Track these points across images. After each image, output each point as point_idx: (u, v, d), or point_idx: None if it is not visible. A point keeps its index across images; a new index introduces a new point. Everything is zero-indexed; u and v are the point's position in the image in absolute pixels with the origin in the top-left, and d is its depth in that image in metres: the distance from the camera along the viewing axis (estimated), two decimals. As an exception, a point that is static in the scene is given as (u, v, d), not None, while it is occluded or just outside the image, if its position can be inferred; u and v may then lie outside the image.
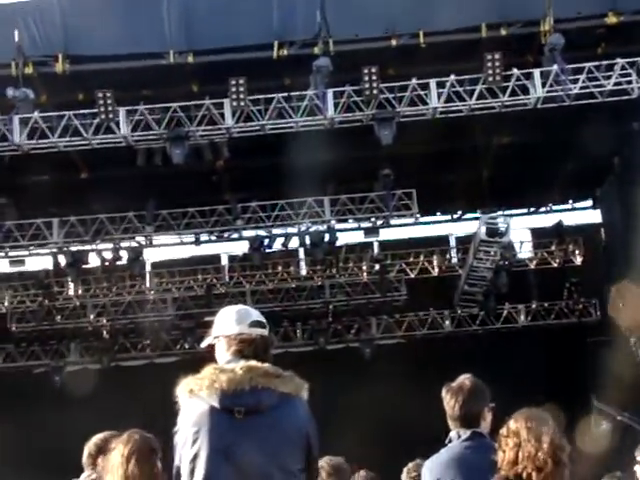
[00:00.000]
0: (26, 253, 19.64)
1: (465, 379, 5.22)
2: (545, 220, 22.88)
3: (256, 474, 3.84)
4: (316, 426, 4.09)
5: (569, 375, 19.48)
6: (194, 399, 3.97)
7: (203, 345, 4.25)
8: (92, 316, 21.72)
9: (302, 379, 4.06)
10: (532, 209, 22.71)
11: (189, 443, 3.92)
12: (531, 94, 16.26)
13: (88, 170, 18.85)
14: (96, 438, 5.73)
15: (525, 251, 23.15)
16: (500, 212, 20.32)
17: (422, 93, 16.47)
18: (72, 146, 16.79)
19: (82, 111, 16.46)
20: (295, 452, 3.95)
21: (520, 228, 22.60)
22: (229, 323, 4.20)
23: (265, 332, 4.20)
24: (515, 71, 16.20)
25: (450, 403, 5.17)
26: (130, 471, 4.66)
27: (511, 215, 20.89)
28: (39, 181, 18.67)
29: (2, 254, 19.52)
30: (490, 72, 15.89)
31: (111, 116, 16.08)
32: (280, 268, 22.43)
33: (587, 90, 16.21)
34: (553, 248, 22.66)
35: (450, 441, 5.18)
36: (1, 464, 18.06)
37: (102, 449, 5.67)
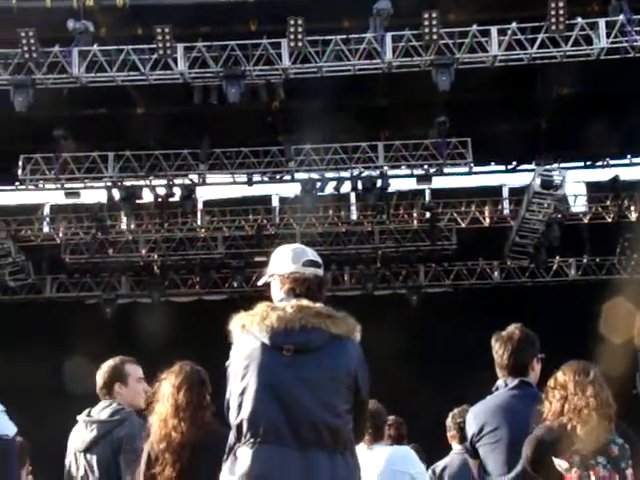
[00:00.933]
0: (81, 186, 19.85)
1: (515, 328, 5.22)
2: (601, 174, 22.57)
3: (301, 411, 3.88)
4: (367, 369, 4.11)
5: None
6: (246, 334, 4.02)
7: (260, 283, 4.29)
8: (144, 251, 21.97)
9: (355, 321, 4.08)
10: (589, 162, 22.37)
11: (239, 377, 3.99)
12: (594, 44, 15.92)
13: (144, 105, 18.93)
14: (107, 366, 5.70)
15: (579, 205, 22.87)
16: (556, 164, 20.04)
17: (482, 40, 16.21)
18: (129, 81, 16.84)
19: (140, 46, 16.49)
20: (342, 393, 3.97)
21: (575, 181, 22.33)
22: (284, 262, 4.22)
23: (319, 272, 4.21)
24: (579, 20, 15.86)
25: (499, 352, 5.18)
26: (180, 400, 4.75)
27: (567, 168, 20.60)
28: (96, 114, 18.81)
29: (58, 185, 19.77)
30: (553, 20, 15.57)
31: (169, 52, 16.08)
32: (331, 212, 22.43)
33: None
34: (608, 203, 22.34)
35: (497, 389, 5.20)
36: (52, 392, 18.52)
37: (117, 376, 5.73)
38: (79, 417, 5.61)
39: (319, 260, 4.25)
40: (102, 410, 5.54)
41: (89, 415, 5.56)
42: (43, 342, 19.06)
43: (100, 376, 5.67)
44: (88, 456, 5.40)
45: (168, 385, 4.86)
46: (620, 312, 17.17)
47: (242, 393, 3.95)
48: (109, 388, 5.62)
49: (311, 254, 4.25)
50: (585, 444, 4.60)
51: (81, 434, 5.48)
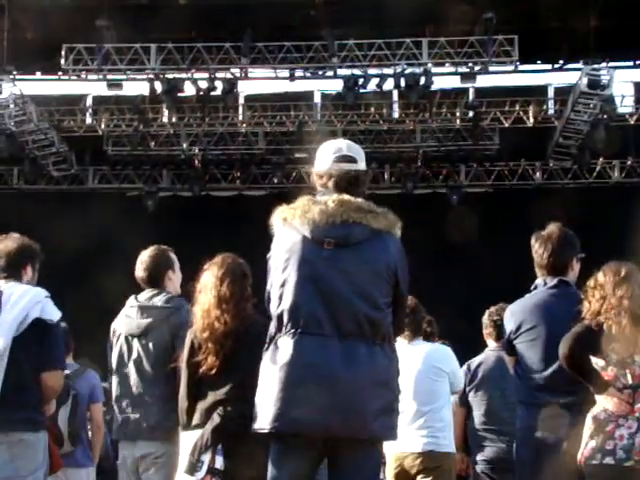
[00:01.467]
0: (124, 77, 19.79)
1: (555, 227, 5.20)
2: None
3: (341, 303, 3.95)
4: (406, 264, 4.14)
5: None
6: (287, 227, 4.06)
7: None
8: (185, 145, 21.99)
9: (396, 216, 4.09)
10: (638, 62, 21.84)
11: (280, 269, 4.05)
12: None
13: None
14: (156, 254, 5.71)
15: (626, 105, 22.39)
16: (604, 63, 19.58)
17: None
18: (173, -29, 16.62)
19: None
20: (382, 286, 4.03)
21: (623, 81, 21.83)
22: (321, 159, 4.25)
23: (354, 167, 4.20)
24: None
25: (539, 251, 5.18)
26: (223, 292, 4.83)
27: (615, 67, 20.11)
28: (139, 4, 18.60)
29: (100, 76, 19.74)
30: None
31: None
32: (373, 109, 22.19)
33: None
34: (656, 104, 21.89)
35: (536, 288, 5.22)
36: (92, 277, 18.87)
37: (168, 263, 5.77)
38: (128, 302, 5.71)
39: (354, 154, 4.23)
40: (154, 297, 5.62)
41: (138, 301, 5.67)
42: (84, 232, 19.32)
43: (147, 263, 5.71)
44: (143, 341, 5.52)
45: (211, 276, 4.93)
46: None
47: (283, 285, 4.02)
48: (161, 275, 5.70)
49: (347, 149, 4.24)
50: (622, 343, 4.64)
51: (134, 319, 5.59)
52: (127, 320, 5.63)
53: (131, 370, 5.55)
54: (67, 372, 6.05)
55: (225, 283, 4.87)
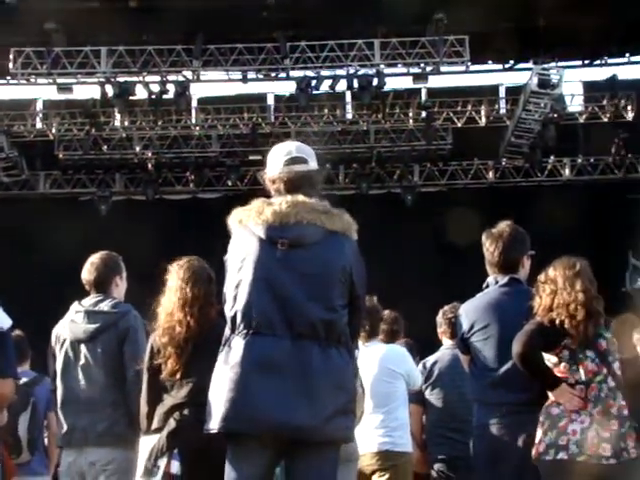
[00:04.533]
0: (74, 81, 19.60)
1: (506, 225, 5.24)
2: (599, 73, 22.34)
3: (295, 304, 3.95)
4: (363, 265, 4.15)
5: (610, 231, 19.47)
6: (242, 229, 4.06)
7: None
8: (138, 148, 21.83)
9: (352, 218, 4.10)
10: (586, 61, 22.11)
11: (235, 270, 4.05)
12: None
13: (138, -1, 18.56)
14: (106, 259, 5.68)
15: (576, 104, 22.69)
16: (553, 63, 19.81)
17: None
18: (122, -27, 16.50)
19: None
20: (337, 287, 4.03)
21: (573, 80, 22.10)
22: (271, 163, 4.25)
23: (305, 167, 4.19)
24: None
25: (490, 249, 5.21)
26: (188, 295, 4.80)
27: (565, 67, 20.35)
28: (89, 7, 18.39)
29: (50, 80, 19.52)
30: None
31: (162, -56, 15.72)
32: (326, 110, 22.23)
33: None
34: (605, 102, 22.19)
35: (487, 286, 5.26)
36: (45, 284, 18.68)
37: (117, 269, 5.73)
38: (73, 307, 5.65)
39: (304, 155, 4.23)
40: (100, 302, 5.58)
41: (83, 306, 5.61)
42: (36, 237, 19.12)
43: (96, 266, 5.67)
44: (91, 346, 5.48)
45: (176, 279, 4.89)
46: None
47: (237, 286, 4.02)
48: (108, 280, 5.67)
49: (296, 151, 4.23)
50: (574, 339, 4.69)
51: (80, 325, 5.53)
52: (73, 325, 5.57)
53: (79, 376, 5.49)
54: (25, 380, 5.98)
55: (190, 286, 4.84)
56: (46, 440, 7.13)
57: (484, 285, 5.28)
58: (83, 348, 5.49)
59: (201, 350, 4.68)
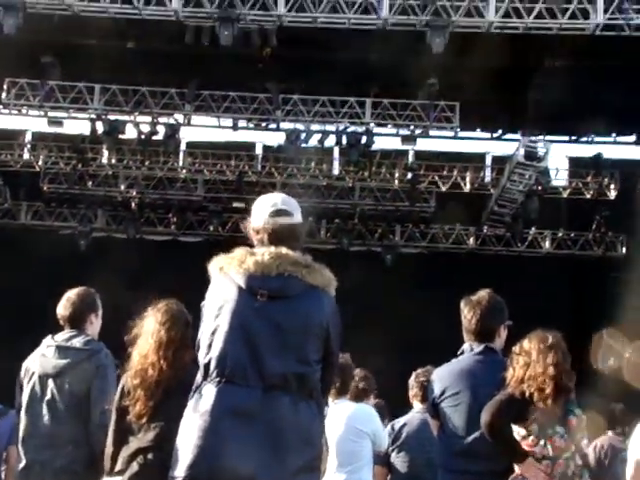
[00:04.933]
0: (65, 115, 19.67)
1: (485, 293, 5.25)
2: (585, 151, 22.64)
3: (268, 356, 3.92)
4: (340, 322, 4.14)
5: (587, 307, 19.55)
6: (223, 276, 4.05)
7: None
8: (123, 187, 21.86)
9: (332, 274, 4.10)
10: (573, 137, 22.41)
11: (212, 317, 4.03)
12: (591, 19, 15.88)
13: (135, 40, 18.69)
14: (83, 295, 5.66)
15: (560, 179, 22.95)
16: (541, 137, 20.07)
17: (480, 5, 16.13)
18: (122, 14, 16.64)
19: (136, -21, 16.27)
20: (313, 342, 4.01)
21: (559, 155, 22.38)
22: (256, 214, 4.25)
23: (289, 220, 4.19)
24: (578, -7, 15.81)
25: (467, 316, 5.22)
26: (164, 338, 4.76)
27: (551, 141, 20.63)
28: (86, 45, 18.52)
29: (42, 113, 19.58)
30: (552, -9, 15.53)
31: (164, -12, 15.90)
32: (313, 164, 22.38)
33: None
34: (589, 179, 22.45)
35: (462, 353, 5.25)
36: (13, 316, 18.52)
37: (92, 306, 5.71)
38: (45, 341, 5.60)
39: (289, 208, 4.23)
40: (72, 338, 5.53)
41: (56, 341, 5.56)
42: (13, 267, 19.01)
43: (72, 302, 5.64)
44: (58, 382, 5.41)
45: (153, 322, 4.86)
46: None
47: (213, 333, 3.99)
48: (83, 316, 5.62)
49: (281, 203, 4.24)
50: (544, 413, 4.68)
51: (50, 359, 5.48)
52: (43, 359, 5.51)
53: (43, 410, 5.42)
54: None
55: (167, 329, 4.80)
56: (3, 474, 7.01)
57: (459, 351, 5.27)
58: (51, 383, 5.43)
59: (172, 395, 4.62)
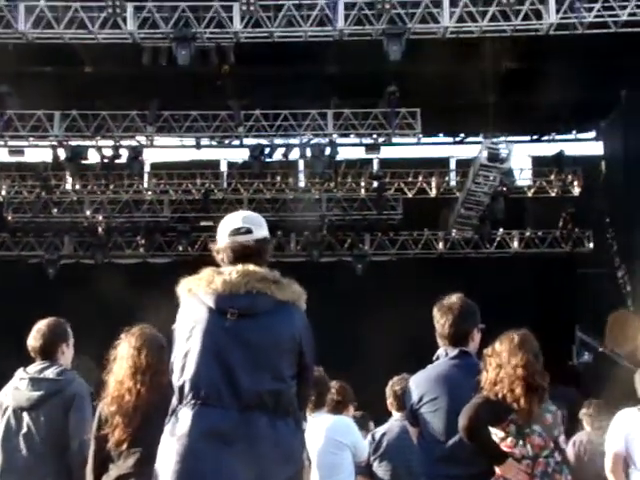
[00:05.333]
0: (26, 144, 19.55)
1: (456, 298, 5.26)
2: (547, 149, 22.84)
3: (242, 375, 3.90)
4: (312, 335, 4.14)
5: (557, 304, 19.68)
6: (192, 298, 4.03)
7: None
8: (88, 212, 21.75)
9: (301, 288, 4.09)
10: (535, 137, 22.61)
11: (184, 339, 4.01)
12: (544, 20, 16.05)
13: (92, 65, 18.64)
14: (54, 326, 5.59)
15: (524, 178, 23.15)
16: (503, 138, 20.22)
17: (434, 11, 16.26)
18: (77, 39, 16.59)
19: (89, 3, 16.22)
20: (286, 358, 4.00)
21: (521, 155, 22.57)
22: (220, 233, 4.24)
23: (250, 237, 4.17)
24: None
25: (440, 321, 5.23)
26: (139, 363, 4.73)
27: (513, 141, 20.79)
28: (42, 72, 18.46)
29: (2, 143, 19.44)
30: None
31: (118, 11, 15.86)
32: (279, 178, 22.42)
33: (601, 19, 16.03)
34: (552, 177, 22.67)
35: (437, 358, 5.26)
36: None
37: (63, 336, 5.64)
38: (17, 374, 5.53)
39: (250, 225, 4.22)
40: (45, 369, 5.47)
41: (28, 373, 5.50)
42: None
43: (43, 333, 5.56)
44: (34, 414, 5.34)
45: (128, 347, 4.82)
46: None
47: (185, 355, 3.97)
48: (55, 347, 5.55)
49: (242, 221, 4.23)
50: (519, 413, 4.70)
51: (24, 392, 5.41)
52: (16, 393, 5.43)
53: (20, 444, 5.34)
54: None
55: (142, 354, 4.76)
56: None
57: (434, 357, 5.29)
58: (26, 416, 5.36)
59: (150, 419, 4.57)
